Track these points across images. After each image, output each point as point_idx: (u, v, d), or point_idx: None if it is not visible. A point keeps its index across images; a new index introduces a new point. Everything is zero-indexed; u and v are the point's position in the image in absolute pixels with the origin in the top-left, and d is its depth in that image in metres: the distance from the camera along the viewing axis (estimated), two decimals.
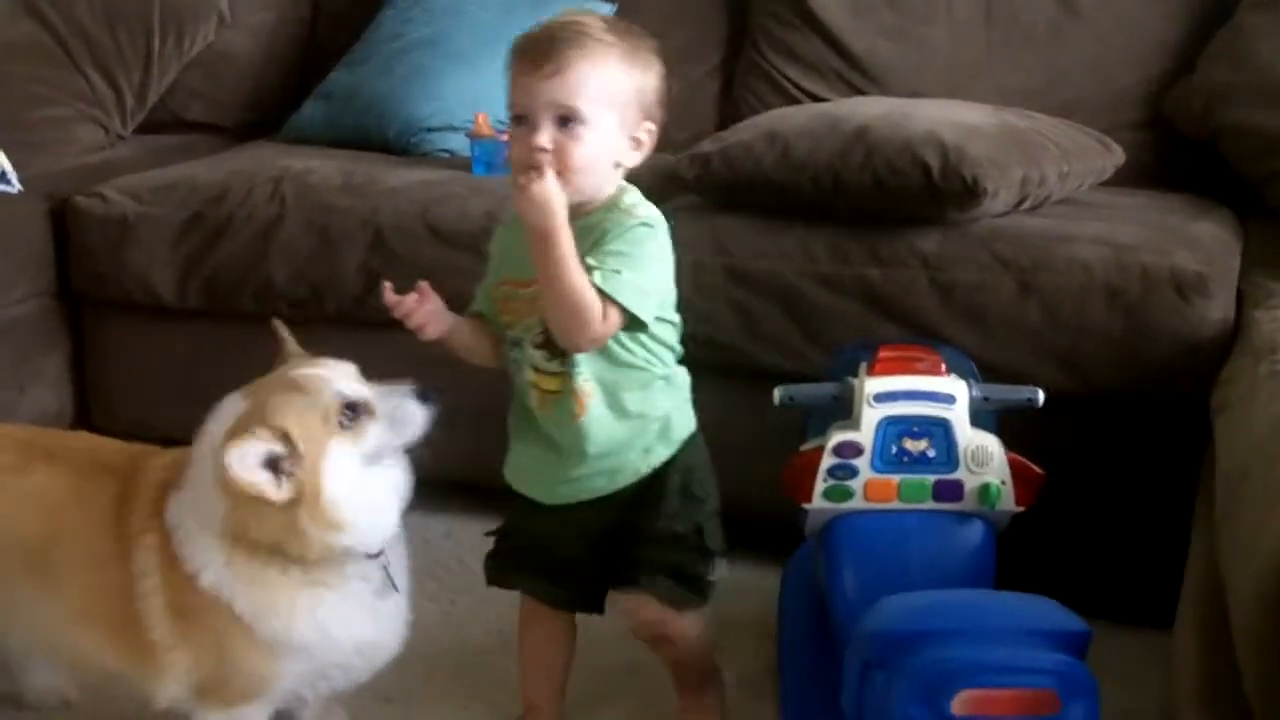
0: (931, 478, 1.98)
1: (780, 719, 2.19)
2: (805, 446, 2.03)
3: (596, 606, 2.09)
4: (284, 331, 2.04)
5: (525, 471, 2.05)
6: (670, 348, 1.98)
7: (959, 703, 1.62)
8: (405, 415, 1.92)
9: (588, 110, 1.84)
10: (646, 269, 1.88)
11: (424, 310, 1.95)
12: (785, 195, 2.59)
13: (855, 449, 1.97)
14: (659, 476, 1.99)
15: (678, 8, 3.44)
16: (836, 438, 1.98)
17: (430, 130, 3.27)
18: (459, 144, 3.21)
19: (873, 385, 1.98)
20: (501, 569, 2.12)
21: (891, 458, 1.98)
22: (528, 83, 1.85)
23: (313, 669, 1.97)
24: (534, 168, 1.83)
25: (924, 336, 2.39)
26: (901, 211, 2.52)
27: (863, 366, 2.04)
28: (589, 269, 1.83)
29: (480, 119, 3.06)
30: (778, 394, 2.06)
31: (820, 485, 1.99)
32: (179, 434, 1.98)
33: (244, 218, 2.93)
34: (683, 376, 2.03)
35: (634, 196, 1.94)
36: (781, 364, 2.52)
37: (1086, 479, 2.39)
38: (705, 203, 2.72)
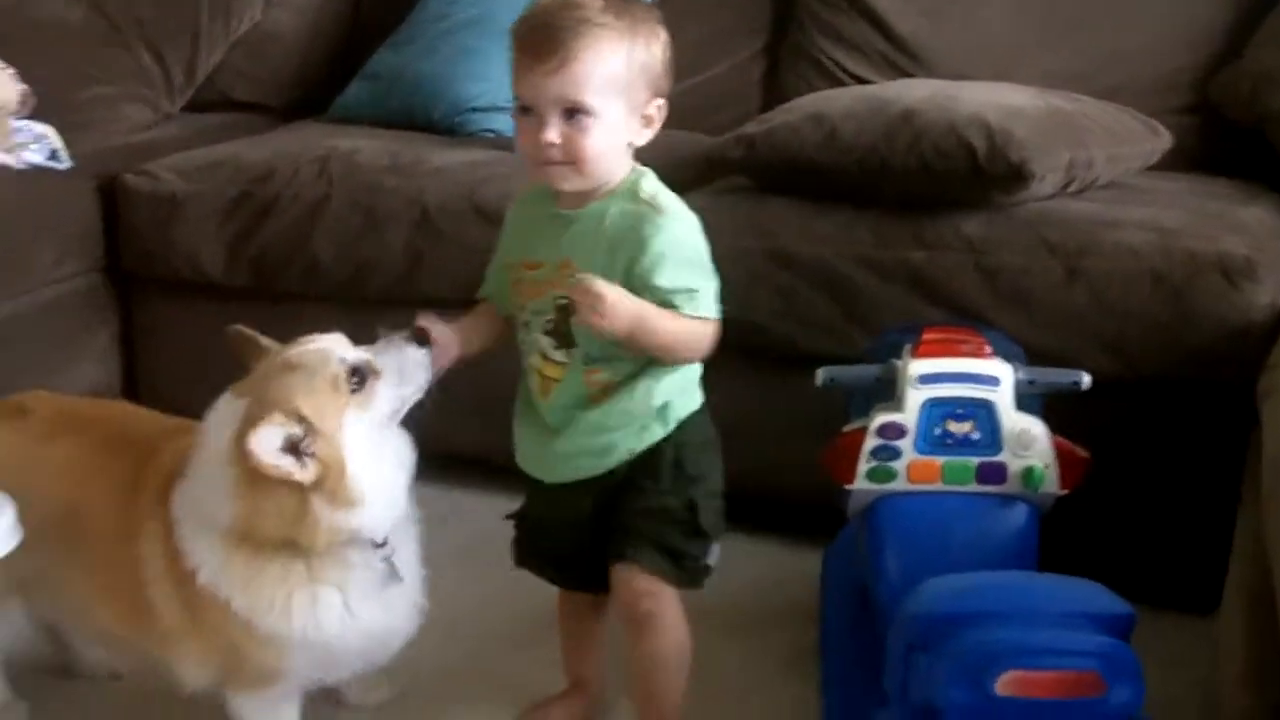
0: (975, 460, 1.98)
1: (822, 701, 2.19)
2: (848, 428, 2.03)
3: (603, 586, 2.04)
4: (249, 332, 2.00)
5: (526, 449, 2.03)
6: None
7: (1003, 684, 1.61)
8: (407, 363, 1.91)
9: (594, 102, 1.81)
10: (704, 265, 1.89)
11: (450, 352, 1.96)
12: (830, 178, 2.59)
13: (899, 430, 1.97)
14: (653, 453, 1.95)
15: None
16: (880, 419, 1.98)
17: (476, 110, 3.27)
18: (504, 124, 3.21)
19: (917, 367, 1.98)
20: (519, 552, 2.13)
21: (935, 439, 1.98)
22: (531, 77, 1.82)
23: (322, 660, 1.97)
24: (544, 162, 1.83)
25: (968, 320, 2.39)
26: (947, 195, 2.51)
27: (907, 348, 2.03)
28: (668, 304, 1.84)
29: None
30: (820, 376, 2.06)
31: (863, 466, 1.99)
32: None
33: (291, 197, 2.95)
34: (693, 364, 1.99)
35: (651, 183, 1.92)
36: (824, 347, 2.51)
37: (1131, 463, 2.38)
38: (749, 185, 2.72)
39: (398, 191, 2.89)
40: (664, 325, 1.84)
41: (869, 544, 2.02)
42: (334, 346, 1.91)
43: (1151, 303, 2.37)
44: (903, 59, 3.22)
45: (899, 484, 1.99)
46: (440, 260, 2.82)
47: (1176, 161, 2.82)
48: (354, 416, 1.86)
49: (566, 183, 1.87)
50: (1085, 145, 2.55)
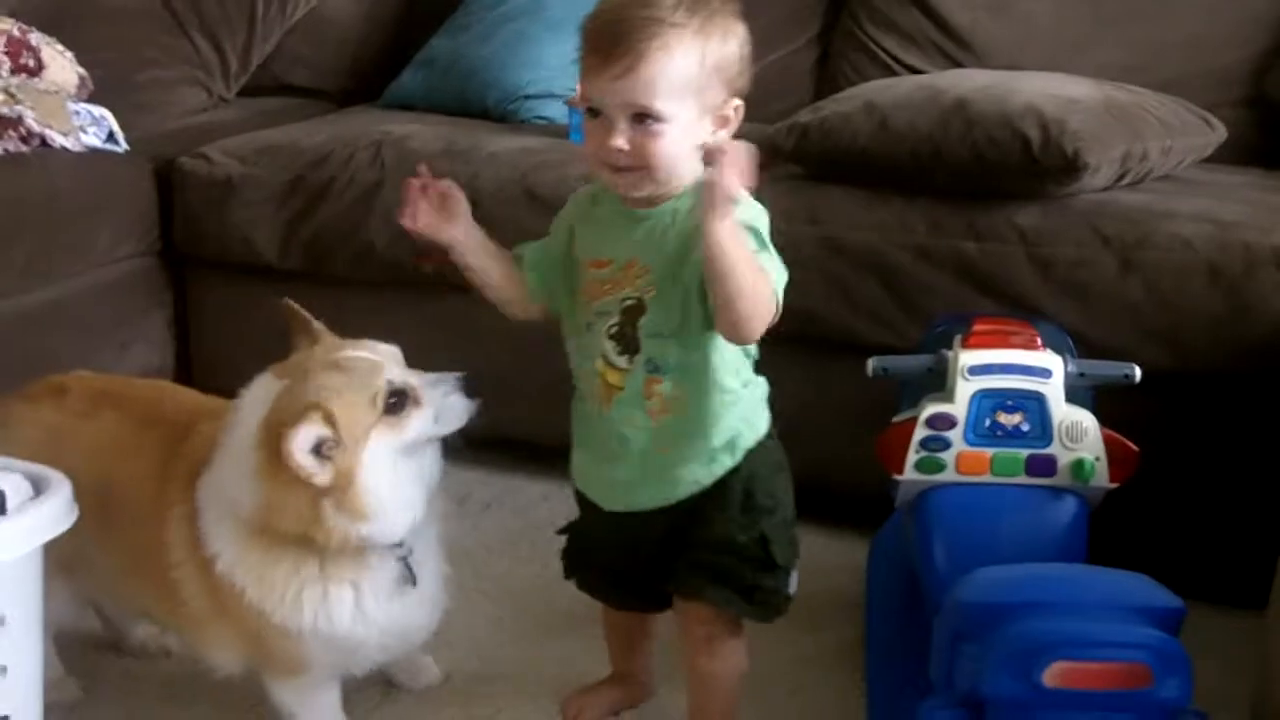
0: (1025, 452, 1.97)
1: (868, 690, 2.19)
2: (898, 418, 2.03)
3: (656, 607, 2.03)
4: (301, 310, 1.99)
5: (585, 473, 1.99)
6: (750, 354, 1.90)
7: (1051, 675, 1.61)
8: (450, 408, 1.90)
9: (664, 108, 1.72)
10: (773, 247, 1.80)
11: (423, 208, 1.90)
12: (883, 167, 2.58)
13: (948, 421, 1.97)
14: (721, 485, 1.88)
15: None
16: (929, 409, 1.98)
17: (529, 98, 3.28)
18: (557, 111, 3.22)
19: (967, 358, 1.98)
20: (571, 565, 2.11)
21: (985, 431, 1.97)
22: (598, 80, 1.74)
23: (337, 653, 1.97)
24: (613, 167, 1.77)
25: (1019, 311, 2.38)
26: (1000, 185, 2.50)
27: (957, 339, 2.03)
28: None
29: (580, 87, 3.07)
30: (871, 365, 2.07)
31: (912, 457, 1.99)
32: None
33: (345, 181, 2.97)
34: (759, 384, 1.93)
35: None
36: (875, 336, 2.51)
37: (1183, 457, 2.37)
38: (802, 173, 2.72)
39: (452, 177, 2.82)
40: (751, 263, 1.70)
41: (917, 535, 2.02)
42: (386, 361, 1.90)
43: (1206, 296, 2.35)
44: (955, 48, 3.20)
45: (948, 475, 1.99)
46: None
47: (1232, 155, 2.80)
48: (380, 436, 1.85)
49: (635, 189, 1.80)
50: (1140, 137, 2.53)
